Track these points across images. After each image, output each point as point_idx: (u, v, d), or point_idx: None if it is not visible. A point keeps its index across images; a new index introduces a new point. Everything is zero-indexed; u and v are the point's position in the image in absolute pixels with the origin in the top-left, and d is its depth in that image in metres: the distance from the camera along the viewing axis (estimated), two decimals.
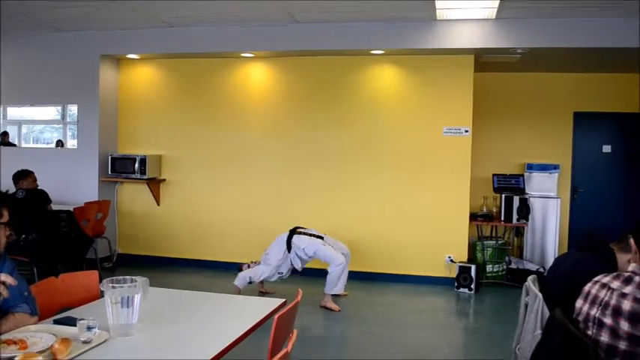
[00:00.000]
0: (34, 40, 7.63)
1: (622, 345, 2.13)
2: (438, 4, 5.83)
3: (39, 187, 6.47)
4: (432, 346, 4.97)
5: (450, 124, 6.93)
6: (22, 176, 6.35)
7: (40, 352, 2.07)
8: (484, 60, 7.06)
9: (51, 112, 7.99)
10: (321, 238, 6.04)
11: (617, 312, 2.16)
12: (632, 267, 2.27)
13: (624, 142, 8.25)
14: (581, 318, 2.34)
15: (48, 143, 8.13)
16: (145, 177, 7.51)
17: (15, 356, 1.95)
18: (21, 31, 7.50)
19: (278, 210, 7.44)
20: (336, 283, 5.79)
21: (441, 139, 6.96)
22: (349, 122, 7.22)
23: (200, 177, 7.71)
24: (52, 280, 2.92)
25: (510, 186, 7.46)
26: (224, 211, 7.64)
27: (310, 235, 6.06)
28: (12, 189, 6.15)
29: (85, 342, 2.23)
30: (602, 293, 2.27)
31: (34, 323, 2.47)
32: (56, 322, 2.52)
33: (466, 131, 6.90)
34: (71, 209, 6.45)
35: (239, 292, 5.81)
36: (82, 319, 2.28)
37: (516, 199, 7.09)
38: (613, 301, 2.20)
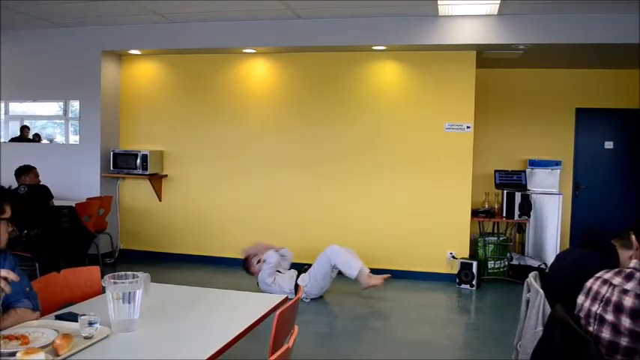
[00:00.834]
0: (35, 35, 7.63)
1: (623, 341, 2.13)
2: (440, 0, 5.82)
3: (41, 183, 6.48)
4: (434, 342, 4.97)
5: (452, 121, 6.93)
6: (25, 172, 6.35)
7: (42, 348, 2.07)
8: (486, 56, 7.05)
9: (53, 107, 7.99)
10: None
11: (618, 308, 2.16)
12: (633, 263, 2.26)
13: (626, 138, 8.24)
14: (582, 314, 2.34)
15: (50, 139, 8.12)
16: (146, 173, 7.51)
17: (17, 351, 1.96)
18: (22, 27, 7.50)
19: (279, 206, 7.46)
20: (349, 264, 5.77)
21: (442, 135, 6.95)
22: (351, 118, 7.22)
23: (202, 173, 7.71)
24: (53, 275, 2.93)
25: (512, 182, 7.45)
26: (226, 207, 7.65)
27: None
28: (14, 184, 6.15)
29: (86, 337, 2.23)
30: (604, 289, 2.27)
31: (35, 319, 2.47)
32: (58, 317, 2.53)
33: (468, 127, 6.89)
34: (73, 205, 6.46)
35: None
36: (84, 315, 2.29)
37: (518, 196, 7.08)
38: (614, 298, 2.20)
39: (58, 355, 2.06)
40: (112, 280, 2.39)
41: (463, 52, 6.81)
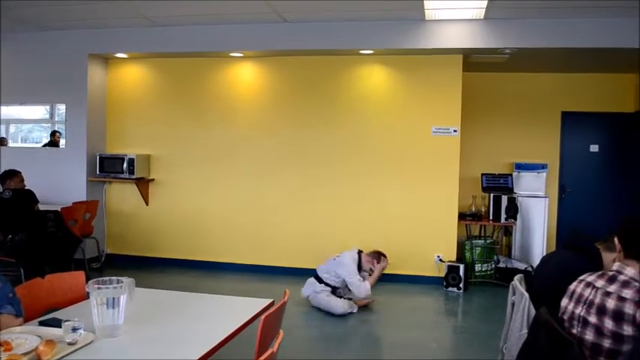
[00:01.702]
0: (21, 38, 7.57)
1: (606, 343, 2.15)
2: (426, 5, 5.85)
3: (26, 187, 6.42)
4: (421, 345, 4.98)
5: (439, 124, 6.95)
6: (9, 176, 6.29)
7: (25, 354, 2.06)
8: (472, 60, 7.09)
9: (40, 111, 7.93)
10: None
11: (601, 310, 2.19)
12: (616, 266, 2.29)
13: (611, 141, 8.32)
14: (566, 317, 2.36)
15: (37, 142, 8.06)
16: (133, 177, 7.47)
17: None
18: (8, 30, 7.44)
19: (265, 209, 7.44)
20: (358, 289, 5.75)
21: (429, 139, 6.98)
22: (338, 122, 7.22)
23: (189, 177, 7.68)
24: (37, 281, 2.90)
25: (499, 185, 7.50)
26: (213, 211, 7.62)
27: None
28: None
29: (70, 343, 2.22)
30: (587, 292, 2.30)
31: (19, 325, 2.45)
32: (41, 323, 2.51)
33: (455, 131, 6.92)
34: (59, 209, 6.41)
35: None
36: (68, 321, 2.27)
37: (505, 199, 7.12)
38: (597, 300, 2.22)
39: None
40: (96, 286, 2.37)
41: (450, 55, 6.84)
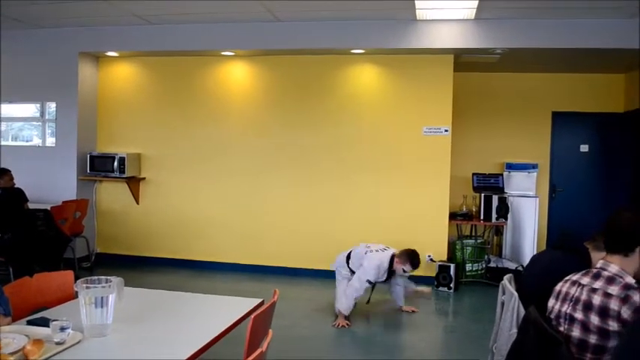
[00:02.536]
0: (11, 36, 7.50)
1: (592, 339, 2.18)
2: (417, 4, 5.86)
3: (16, 186, 6.39)
4: (411, 344, 5.00)
5: (430, 124, 6.97)
6: None
7: (12, 354, 2.05)
8: (463, 60, 7.11)
9: (30, 109, 7.87)
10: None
11: (587, 307, 2.21)
12: (600, 263, 2.31)
13: (601, 141, 8.36)
14: (553, 316, 2.37)
15: (27, 141, 8.01)
16: (124, 176, 7.44)
17: None
18: None
19: (257, 208, 7.43)
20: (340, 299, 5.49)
21: (420, 139, 6.99)
22: (330, 121, 7.22)
23: (180, 176, 7.66)
24: (26, 280, 2.89)
25: (490, 185, 7.52)
26: (204, 210, 7.60)
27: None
28: None
29: (58, 343, 2.21)
30: (573, 290, 2.32)
31: (6, 324, 2.44)
32: (29, 322, 2.50)
33: (446, 131, 6.94)
34: (49, 208, 6.37)
35: None
36: (56, 320, 2.26)
37: (495, 198, 7.14)
38: (584, 297, 2.24)
39: None
40: (85, 285, 2.36)
41: (441, 55, 6.86)
